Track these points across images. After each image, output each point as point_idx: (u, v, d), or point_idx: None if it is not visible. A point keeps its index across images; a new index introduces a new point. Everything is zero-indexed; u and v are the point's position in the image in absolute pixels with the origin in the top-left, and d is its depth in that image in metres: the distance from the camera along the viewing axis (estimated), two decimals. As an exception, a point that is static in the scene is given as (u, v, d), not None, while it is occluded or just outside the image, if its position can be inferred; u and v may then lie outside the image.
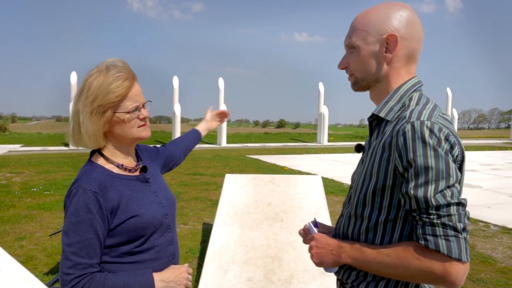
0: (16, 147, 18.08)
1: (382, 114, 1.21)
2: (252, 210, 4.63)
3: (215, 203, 4.82)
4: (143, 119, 1.41)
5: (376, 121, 1.25)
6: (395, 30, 1.18)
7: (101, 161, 1.41)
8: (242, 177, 5.38)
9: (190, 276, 1.46)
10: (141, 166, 1.49)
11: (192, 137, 2.01)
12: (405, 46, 1.20)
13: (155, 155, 1.72)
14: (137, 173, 1.47)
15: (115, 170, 1.41)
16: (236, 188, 5.08)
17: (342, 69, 1.29)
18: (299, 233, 1.41)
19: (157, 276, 1.36)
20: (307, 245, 1.31)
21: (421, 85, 1.25)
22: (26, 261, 4.34)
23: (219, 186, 4.84)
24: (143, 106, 1.42)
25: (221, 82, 21.25)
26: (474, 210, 6.87)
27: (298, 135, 31.13)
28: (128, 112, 1.37)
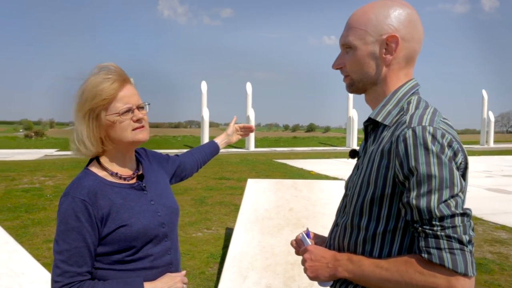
0: (52, 151, 18.70)
1: (379, 118, 1.14)
2: (273, 216, 4.57)
3: (239, 208, 4.85)
4: (137, 121, 1.38)
5: (372, 126, 1.19)
6: (395, 30, 1.11)
7: (95, 169, 1.39)
8: (264, 182, 5.33)
9: (185, 286, 1.42)
10: (138, 173, 1.46)
11: (209, 150, 1.99)
12: (405, 47, 1.13)
13: (165, 162, 1.70)
14: (133, 181, 1.44)
15: (109, 178, 1.38)
16: (258, 193, 5.04)
17: (337, 69, 1.23)
18: (291, 244, 1.34)
19: (149, 286, 1.33)
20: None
21: (419, 88, 1.18)
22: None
23: (244, 191, 4.82)
24: (138, 108, 1.39)
25: (248, 87, 21.30)
26: (510, 217, 6.54)
27: (327, 139, 30.81)
28: (119, 114, 1.34)
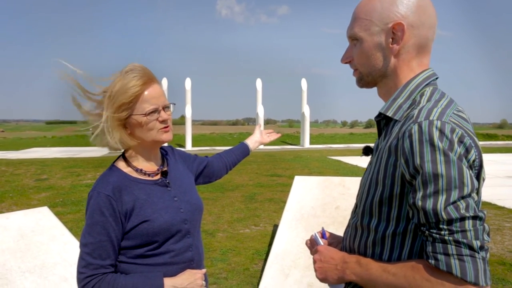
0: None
1: (389, 113, 1.06)
2: (319, 213, 4.49)
3: (287, 205, 4.89)
4: (163, 121, 1.40)
5: (385, 121, 1.11)
6: (402, 17, 1.03)
7: (121, 165, 1.43)
8: (311, 179, 5.25)
9: (205, 283, 1.43)
10: (162, 170, 1.49)
11: (238, 151, 1.99)
12: (415, 35, 1.04)
13: (191, 161, 1.72)
14: (157, 177, 1.46)
15: (134, 174, 1.42)
16: (304, 190, 4.97)
17: (345, 63, 1.17)
18: (306, 244, 1.31)
19: (169, 281, 1.34)
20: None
21: (436, 78, 1.08)
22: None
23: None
24: (164, 109, 1.41)
25: (304, 83, 21.11)
26: None
27: (386, 135, 29.70)
28: (145, 115, 1.37)
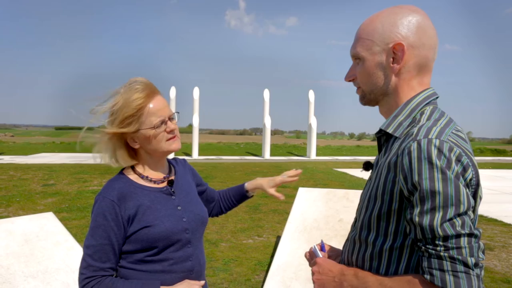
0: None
1: (390, 130, 1.09)
2: (321, 226, 4.48)
3: (291, 217, 4.90)
4: (171, 131, 1.44)
5: (385, 137, 1.14)
6: (402, 38, 1.07)
7: (128, 172, 1.48)
8: (315, 191, 5.25)
9: None
10: (169, 178, 1.52)
11: (236, 198, 1.89)
12: (415, 55, 1.08)
13: (198, 179, 1.75)
14: (163, 185, 1.50)
15: (140, 181, 1.46)
16: (308, 202, 4.98)
17: (349, 81, 1.21)
18: (305, 256, 1.34)
19: None
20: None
21: (436, 97, 1.11)
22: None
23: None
24: (170, 119, 1.45)
25: (311, 95, 21.17)
26: None
27: (393, 148, 29.58)
28: (154, 128, 1.40)
